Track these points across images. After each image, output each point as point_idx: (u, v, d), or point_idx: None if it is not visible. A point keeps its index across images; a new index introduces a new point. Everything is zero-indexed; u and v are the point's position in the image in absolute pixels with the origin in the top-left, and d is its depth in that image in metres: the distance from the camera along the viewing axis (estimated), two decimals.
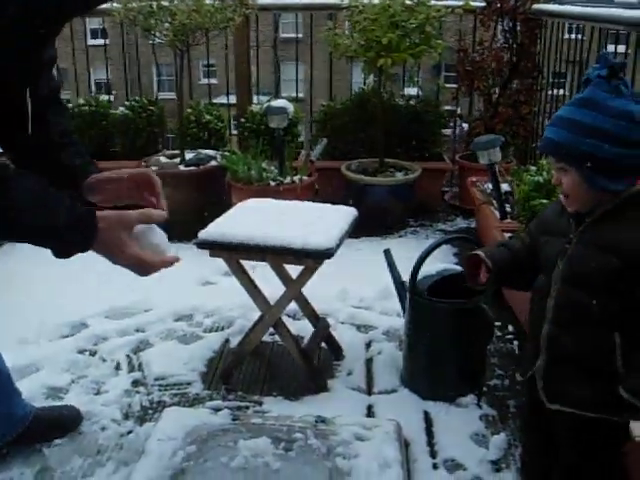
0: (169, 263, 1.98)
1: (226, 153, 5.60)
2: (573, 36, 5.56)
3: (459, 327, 3.22)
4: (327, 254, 3.04)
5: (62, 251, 1.81)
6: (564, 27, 5.74)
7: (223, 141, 6.25)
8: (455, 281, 3.35)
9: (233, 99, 6.78)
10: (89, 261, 4.65)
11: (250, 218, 3.37)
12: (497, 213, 4.59)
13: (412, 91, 6.71)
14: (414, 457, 2.94)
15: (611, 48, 4.44)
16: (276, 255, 3.16)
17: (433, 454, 2.99)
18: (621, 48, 4.53)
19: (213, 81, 8.79)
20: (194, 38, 5.37)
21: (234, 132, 6.81)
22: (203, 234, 3.20)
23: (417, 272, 3.25)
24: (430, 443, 3.05)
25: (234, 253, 3.21)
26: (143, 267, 1.91)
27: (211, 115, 6.19)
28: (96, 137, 6.06)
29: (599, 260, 2.01)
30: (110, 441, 3.04)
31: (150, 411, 3.28)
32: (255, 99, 6.64)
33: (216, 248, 3.21)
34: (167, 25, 5.24)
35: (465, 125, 7.04)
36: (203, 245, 3.21)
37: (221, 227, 3.25)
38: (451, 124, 7.05)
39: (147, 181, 2.10)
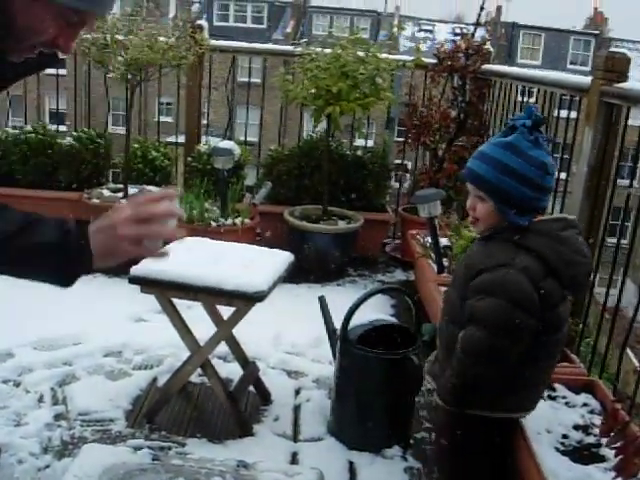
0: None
1: None
2: (524, 99, 5.66)
3: (387, 377, 3.22)
4: (258, 297, 3.04)
5: (66, 268, 1.64)
6: (513, 88, 5.84)
7: (168, 179, 6.22)
8: (388, 332, 3.36)
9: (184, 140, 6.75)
10: (21, 290, 4.58)
11: (185, 256, 3.33)
12: (435, 267, 4.62)
13: (364, 144, 6.75)
14: None
15: (562, 113, 4.52)
16: (208, 295, 3.14)
17: None
18: (566, 113, 4.61)
19: (168, 119, 8.78)
20: (146, 73, 5.38)
21: (181, 171, 6.78)
22: (135, 270, 3.16)
23: (349, 320, 3.25)
24: None
25: (165, 290, 3.18)
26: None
27: (158, 152, 6.16)
28: (41, 165, 5.99)
29: (462, 269, 2.58)
30: (26, 475, 2.98)
31: (70, 446, 3.21)
32: (206, 140, 6.61)
33: (147, 284, 3.18)
34: (120, 59, 5.23)
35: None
36: (135, 281, 3.18)
37: (154, 263, 3.20)
38: (396, 173, 7.12)
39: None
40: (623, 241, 3.83)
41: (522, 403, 2.63)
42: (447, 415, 2.70)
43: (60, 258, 1.60)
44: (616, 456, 1.87)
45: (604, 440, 2.70)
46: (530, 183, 2.40)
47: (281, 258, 3.45)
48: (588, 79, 3.89)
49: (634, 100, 3.44)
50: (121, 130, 6.19)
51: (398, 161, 7.11)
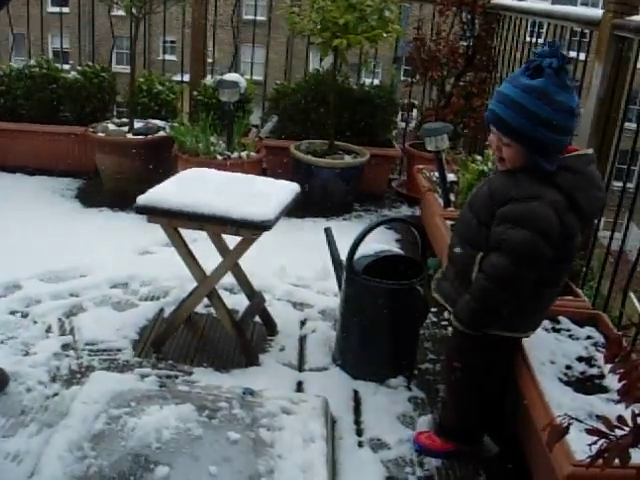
0: None
1: (175, 124, 5.56)
2: (533, 39, 5.59)
3: (392, 308, 3.22)
4: (264, 226, 3.03)
5: None
6: (523, 24, 5.75)
7: (173, 113, 6.19)
8: (393, 263, 3.36)
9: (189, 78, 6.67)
10: (25, 225, 4.61)
11: (191, 186, 3.34)
12: (441, 201, 4.61)
13: (371, 81, 6.69)
14: (340, 434, 2.97)
15: (571, 54, 4.45)
16: (214, 224, 3.13)
17: (359, 432, 3.01)
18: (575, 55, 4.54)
19: (172, 58, 8.69)
20: (150, 6, 5.31)
21: (186, 109, 6.73)
22: (142, 199, 3.16)
23: (354, 250, 3.25)
24: (357, 421, 3.08)
25: (172, 219, 3.17)
26: None
27: (163, 86, 6.12)
28: (45, 100, 5.96)
29: (484, 194, 2.64)
30: (35, 402, 3.01)
31: (78, 375, 3.24)
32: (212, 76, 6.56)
33: (154, 214, 3.17)
34: None
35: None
36: (141, 210, 3.17)
37: (161, 193, 3.21)
38: (403, 112, 7.08)
39: None
40: (629, 185, 3.82)
41: (530, 324, 2.77)
42: (459, 334, 2.78)
43: None
44: (620, 381, 1.87)
45: (607, 371, 2.73)
46: (558, 129, 2.43)
47: (287, 188, 3.44)
48: (599, 12, 3.84)
49: None
50: (125, 69, 6.14)
51: (405, 100, 7.06)
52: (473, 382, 2.83)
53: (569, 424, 1.78)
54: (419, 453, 2.92)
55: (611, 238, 3.66)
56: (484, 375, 2.82)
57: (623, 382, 1.87)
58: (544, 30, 5.21)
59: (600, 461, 1.70)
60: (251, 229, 3.07)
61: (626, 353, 1.94)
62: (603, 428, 1.73)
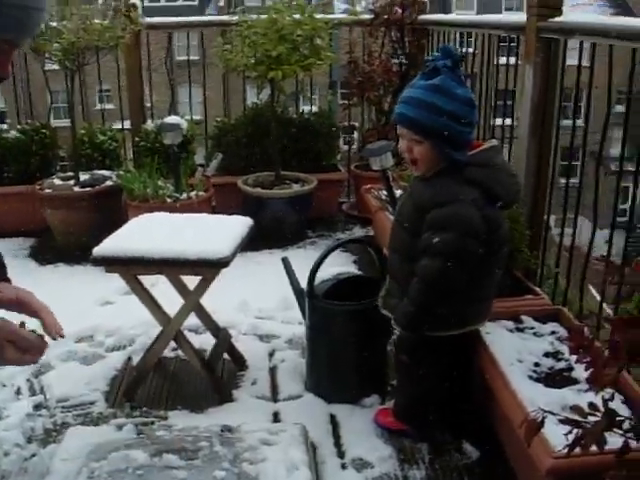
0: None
1: (121, 172, 5.55)
2: (463, 49, 5.69)
3: (357, 328, 3.26)
4: (222, 263, 3.05)
5: None
6: (452, 37, 5.85)
7: (118, 161, 6.18)
8: (353, 285, 3.40)
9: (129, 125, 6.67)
10: None
11: (145, 232, 3.35)
12: (392, 218, 4.65)
13: (310, 109, 6.77)
14: (322, 459, 2.98)
15: (502, 60, 4.55)
16: (172, 267, 3.14)
17: (341, 454, 3.03)
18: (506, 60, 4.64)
19: (110, 106, 8.68)
20: (84, 57, 5.32)
21: (130, 156, 6.72)
22: (98, 250, 3.16)
23: (314, 276, 3.28)
24: (337, 444, 3.10)
25: (130, 267, 3.18)
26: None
27: (104, 135, 6.12)
28: None
29: (409, 207, 2.80)
30: (14, 466, 2.98)
31: (54, 433, 3.22)
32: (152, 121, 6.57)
33: (111, 263, 3.17)
34: (56, 45, 5.17)
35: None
36: (98, 261, 3.17)
37: (116, 242, 3.22)
38: (345, 136, 7.15)
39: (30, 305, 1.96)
40: (574, 180, 3.91)
41: (472, 318, 2.95)
42: (403, 332, 2.99)
43: None
44: (587, 370, 1.93)
45: (574, 362, 2.78)
46: (462, 120, 2.62)
47: (240, 223, 3.46)
48: (524, 17, 3.94)
49: (570, 32, 3.48)
50: (63, 123, 6.12)
51: (345, 124, 7.12)
52: (419, 375, 3.01)
53: (543, 417, 1.82)
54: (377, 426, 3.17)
55: (562, 234, 3.74)
56: (429, 370, 2.98)
57: (590, 370, 1.92)
58: (472, 39, 5.31)
59: (578, 449, 1.74)
60: (209, 267, 3.08)
61: (589, 342, 1.99)
62: (577, 417, 1.77)
